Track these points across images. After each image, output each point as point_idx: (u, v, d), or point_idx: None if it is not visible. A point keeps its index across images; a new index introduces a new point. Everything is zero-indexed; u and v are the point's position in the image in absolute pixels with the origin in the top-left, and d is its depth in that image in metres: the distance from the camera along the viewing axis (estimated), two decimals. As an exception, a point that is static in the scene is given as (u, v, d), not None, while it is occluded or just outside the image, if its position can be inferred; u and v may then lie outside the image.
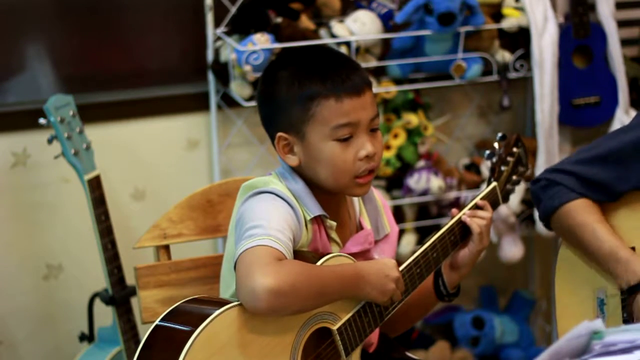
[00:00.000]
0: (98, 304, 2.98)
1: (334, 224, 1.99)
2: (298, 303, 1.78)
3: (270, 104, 1.98)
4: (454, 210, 2.13)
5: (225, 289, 2.00)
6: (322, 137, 1.92)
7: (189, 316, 1.79)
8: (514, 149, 2.29)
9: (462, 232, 2.12)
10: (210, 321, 1.73)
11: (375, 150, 1.95)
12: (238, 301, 1.78)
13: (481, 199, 2.16)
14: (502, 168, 2.25)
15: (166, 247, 2.20)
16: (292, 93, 1.93)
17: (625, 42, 3.49)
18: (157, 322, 1.81)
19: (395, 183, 3.32)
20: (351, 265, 1.91)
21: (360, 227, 2.08)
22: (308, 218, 1.95)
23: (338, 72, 1.93)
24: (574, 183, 2.23)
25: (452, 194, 3.32)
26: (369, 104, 1.94)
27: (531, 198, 2.34)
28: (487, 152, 2.26)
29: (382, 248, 2.09)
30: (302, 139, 1.94)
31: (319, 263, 1.87)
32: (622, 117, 3.37)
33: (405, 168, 3.30)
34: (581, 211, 2.22)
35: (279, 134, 1.96)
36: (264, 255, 1.77)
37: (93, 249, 2.89)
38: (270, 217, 1.85)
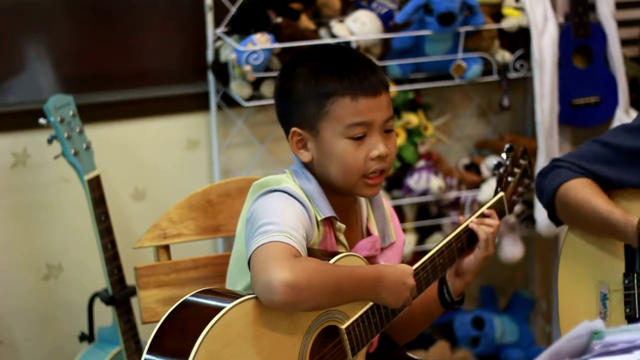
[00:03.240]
0: (98, 304, 2.98)
1: (343, 226, 1.99)
2: (313, 299, 1.78)
3: (286, 99, 1.98)
4: (461, 218, 2.14)
5: (232, 288, 2.00)
6: (335, 134, 1.93)
7: (203, 306, 1.80)
8: (521, 161, 2.30)
9: (469, 239, 2.13)
10: (227, 311, 1.74)
11: (388, 151, 1.95)
12: (251, 294, 1.79)
13: (488, 208, 2.17)
14: (509, 179, 2.27)
15: (166, 247, 2.20)
16: (308, 89, 1.94)
17: (625, 42, 3.49)
18: (170, 310, 1.81)
19: (395, 183, 3.32)
20: (371, 268, 1.91)
21: (367, 233, 2.08)
22: (319, 218, 1.95)
23: (356, 71, 1.93)
24: (576, 167, 2.26)
25: (452, 194, 3.32)
26: (384, 105, 1.95)
27: (535, 191, 2.37)
28: (495, 163, 2.29)
29: (388, 255, 2.10)
30: (316, 135, 1.94)
31: (332, 261, 1.88)
32: (622, 117, 3.37)
33: (405, 168, 3.30)
34: (582, 187, 2.25)
35: (293, 129, 1.96)
36: (280, 251, 1.78)
37: (93, 249, 2.88)
38: (283, 214, 1.86)
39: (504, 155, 2.29)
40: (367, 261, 1.97)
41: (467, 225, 2.12)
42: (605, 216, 2.20)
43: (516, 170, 2.29)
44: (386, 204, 2.14)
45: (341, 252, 1.92)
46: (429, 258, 2.04)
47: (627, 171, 2.25)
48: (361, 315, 1.93)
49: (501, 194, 2.23)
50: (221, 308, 1.75)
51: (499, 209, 2.21)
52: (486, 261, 2.14)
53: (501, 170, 2.27)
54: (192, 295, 1.84)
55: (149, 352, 1.78)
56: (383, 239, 2.09)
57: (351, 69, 1.94)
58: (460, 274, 2.12)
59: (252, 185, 2.00)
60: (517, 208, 3.35)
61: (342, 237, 1.99)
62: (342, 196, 2.00)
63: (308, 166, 1.99)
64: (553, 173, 2.30)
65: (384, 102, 1.95)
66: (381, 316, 1.96)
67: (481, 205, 2.20)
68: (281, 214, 1.86)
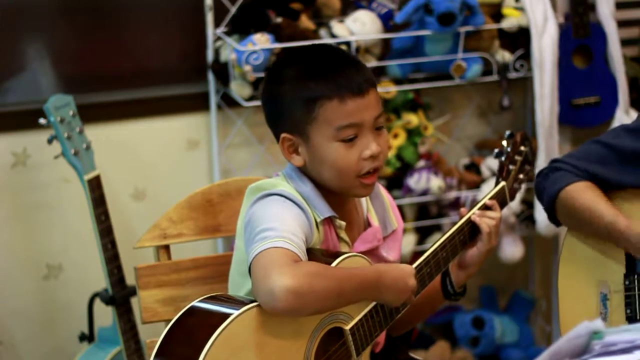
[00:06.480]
0: (98, 304, 2.98)
1: (344, 224, 1.98)
2: (316, 303, 1.77)
3: (274, 104, 1.97)
4: (463, 210, 2.13)
5: (235, 291, 1.99)
6: (326, 138, 1.91)
7: (209, 315, 1.79)
8: (522, 148, 2.29)
9: (471, 231, 2.12)
10: (231, 321, 1.73)
11: (380, 149, 1.94)
12: (255, 301, 1.78)
13: (490, 198, 2.16)
14: (511, 167, 2.25)
15: (166, 247, 2.20)
16: (295, 94, 1.92)
17: (625, 42, 3.49)
18: (177, 317, 1.80)
19: (395, 183, 3.32)
20: (372, 269, 1.90)
21: (368, 225, 2.08)
22: (318, 220, 1.94)
23: (341, 72, 1.91)
24: (575, 170, 2.25)
25: (452, 194, 3.32)
26: (373, 104, 1.93)
27: (535, 191, 2.36)
28: (496, 150, 2.26)
29: (390, 245, 2.09)
30: (307, 140, 1.93)
31: (334, 263, 1.87)
32: (622, 117, 3.37)
33: (405, 168, 3.30)
34: (582, 192, 2.24)
35: (284, 134, 1.95)
36: (280, 257, 1.76)
37: (93, 249, 2.89)
38: (281, 219, 1.84)
39: (504, 142, 2.26)
40: (370, 260, 1.96)
41: (469, 218, 2.11)
42: (609, 222, 2.19)
43: (517, 157, 2.27)
44: (384, 192, 2.13)
45: (343, 253, 1.91)
46: (432, 253, 2.03)
47: (628, 172, 2.24)
48: (365, 315, 1.92)
49: (502, 183, 2.22)
50: (226, 317, 1.73)
51: (501, 199, 2.20)
52: (488, 254, 2.14)
53: (502, 158, 2.25)
54: (199, 302, 1.83)
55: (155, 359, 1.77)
56: (384, 228, 2.08)
57: (336, 70, 1.92)
58: (463, 267, 2.12)
59: (247, 189, 1.99)
60: (518, 208, 3.35)
61: (343, 234, 1.99)
62: (338, 194, 1.99)
63: (301, 169, 1.98)
64: (553, 176, 2.28)
65: (372, 100, 1.93)
66: (385, 314, 1.96)
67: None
68: (279, 219, 1.84)
